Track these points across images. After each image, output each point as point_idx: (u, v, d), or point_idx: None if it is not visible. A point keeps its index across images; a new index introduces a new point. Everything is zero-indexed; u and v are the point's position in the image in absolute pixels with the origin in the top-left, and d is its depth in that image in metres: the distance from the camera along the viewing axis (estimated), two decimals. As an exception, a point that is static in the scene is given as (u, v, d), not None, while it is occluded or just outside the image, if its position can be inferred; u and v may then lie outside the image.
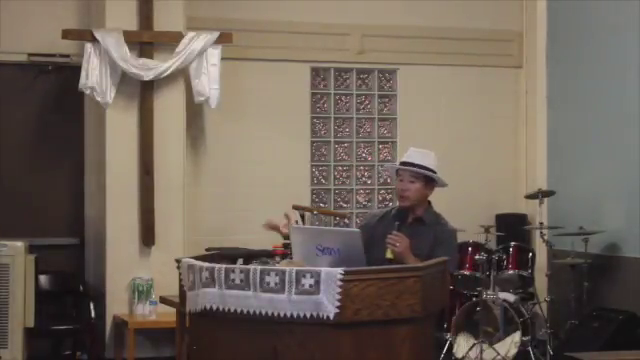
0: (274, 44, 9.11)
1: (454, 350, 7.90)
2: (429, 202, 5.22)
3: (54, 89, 8.82)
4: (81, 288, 8.64)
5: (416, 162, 5.14)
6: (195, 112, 8.76)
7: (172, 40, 8.33)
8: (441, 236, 5.09)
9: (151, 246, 8.36)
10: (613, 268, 8.40)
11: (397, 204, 5.32)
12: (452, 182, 5.38)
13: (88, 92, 8.20)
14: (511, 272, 8.39)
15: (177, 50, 8.30)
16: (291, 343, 4.16)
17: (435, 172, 5.14)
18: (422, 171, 5.11)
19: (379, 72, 9.58)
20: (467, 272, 8.25)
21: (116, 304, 8.31)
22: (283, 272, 4.15)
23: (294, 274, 4.13)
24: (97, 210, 8.67)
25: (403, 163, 5.19)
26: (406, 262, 4.84)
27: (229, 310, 4.22)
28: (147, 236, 8.33)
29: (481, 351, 7.75)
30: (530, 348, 8.09)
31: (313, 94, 9.40)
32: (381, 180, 9.58)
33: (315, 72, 9.40)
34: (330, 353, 4.15)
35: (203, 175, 8.95)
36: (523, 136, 9.74)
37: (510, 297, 8.23)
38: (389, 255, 4.93)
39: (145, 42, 8.32)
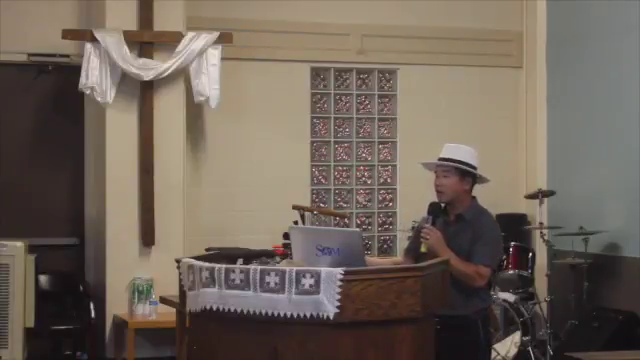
0: (274, 44, 9.11)
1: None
2: (474, 197, 5.18)
3: (54, 89, 8.83)
4: (81, 288, 8.64)
5: (449, 156, 5.10)
6: (195, 112, 8.76)
7: (172, 40, 8.33)
8: (480, 231, 5.04)
9: (151, 246, 8.36)
10: (613, 268, 8.41)
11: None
12: (452, 182, 5.37)
13: (88, 92, 8.21)
14: (511, 272, 8.40)
15: (177, 50, 8.30)
16: (291, 343, 4.16)
17: (470, 165, 5.09)
18: (451, 164, 5.07)
19: (379, 72, 9.58)
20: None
21: (116, 304, 8.31)
22: (283, 272, 4.15)
23: (294, 274, 4.13)
24: (97, 210, 8.68)
25: (439, 159, 5.15)
26: (439, 255, 4.84)
27: (229, 310, 4.22)
28: (147, 236, 8.33)
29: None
30: (530, 348, 8.10)
31: (313, 94, 9.40)
32: (381, 180, 9.59)
33: (315, 72, 9.40)
34: (330, 353, 4.15)
35: (203, 175, 8.95)
36: (523, 136, 9.74)
37: (510, 297, 8.24)
38: (423, 249, 4.94)
39: (145, 42, 8.31)
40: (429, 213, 5.08)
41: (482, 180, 5.19)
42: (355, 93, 9.53)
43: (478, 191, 5.26)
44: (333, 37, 9.32)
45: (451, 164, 5.06)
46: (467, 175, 5.09)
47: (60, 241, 8.79)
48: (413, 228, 5.51)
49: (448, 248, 4.92)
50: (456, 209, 5.11)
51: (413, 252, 5.15)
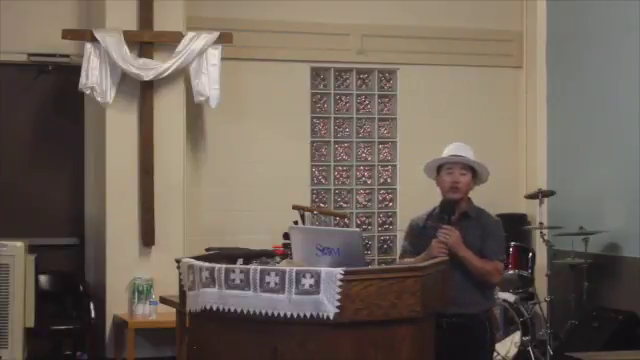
0: (274, 44, 9.11)
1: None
2: (469, 198, 5.19)
3: (54, 89, 8.82)
4: (81, 288, 8.64)
5: (465, 155, 5.12)
6: (195, 112, 8.76)
7: (172, 40, 8.33)
8: (488, 228, 5.09)
9: (151, 246, 8.36)
10: (613, 268, 8.41)
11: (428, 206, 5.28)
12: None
13: (88, 92, 8.21)
14: (511, 272, 8.39)
15: (177, 50, 8.30)
16: (291, 343, 4.16)
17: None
18: (473, 163, 5.09)
19: (379, 72, 9.58)
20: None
21: (116, 304, 8.31)
22: (283, 272, 4.15)
23: (294, 274, 4.13)
24: (97, 210, 8.68)
25: (455, 157, 5.14)
26: (459, 254, 4.86)
27: (229, 310, 4.22)
28: (147, 236, 8.33)
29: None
30: (530, 348, 8.09)
31: (313, 94, 9.40)
32: (381, 180, 9.58)
33: (315, 72, 9.40)
34: (330, 353, 4.15)
35: (203, 175, 8.95)
36: (523, 136, 9.74)
37: (510, 297, 8.24)
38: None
39: (145, 42, 8.31)
40: (443, 211, 5.07)
41: (481, 181, 5.21)
42: (355, 93, 9.52)
43: (477, 191, 5.27)
44: (333, 37, 9.31)
45: (477, 161, 5.10)
46: (475, 175, 5.11)
47: (60, 241, 8.79)
48: (412, 228, 5.44)
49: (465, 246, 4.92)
50: (460, 207, 5.12)
51: (411, 254, 5.14)
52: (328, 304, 4.09)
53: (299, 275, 4.13)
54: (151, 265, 8.32)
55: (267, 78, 9.11)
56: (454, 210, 5.07)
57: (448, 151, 5.19)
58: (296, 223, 7.06)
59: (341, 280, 4.09)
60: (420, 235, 5.12)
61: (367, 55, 9.42)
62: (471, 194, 5.22)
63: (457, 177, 5.09)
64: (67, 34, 8.26)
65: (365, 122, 9.58)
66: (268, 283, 4.15)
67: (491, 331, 5.16)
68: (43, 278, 8.50)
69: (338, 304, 4.09)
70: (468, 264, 4.92)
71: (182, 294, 4.66)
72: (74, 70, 8.33)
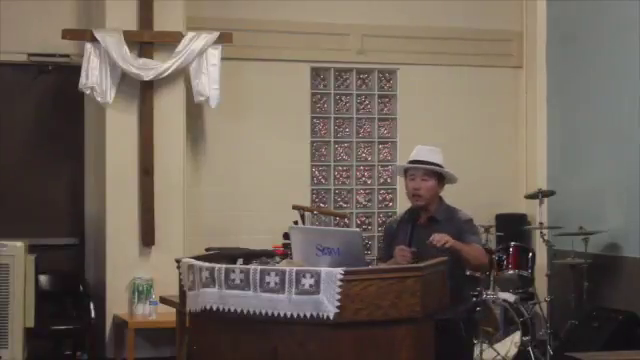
0: (274, 44, 9.12)
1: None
2: (440, 198, 5.18)
3: (54, 89, 8.83)
4: (81, 288, 8.64)
5: (427, 159, 5.09)
6: (195, 112, 8.76)
7: (172, 40, 8.33)
8: (462, 228, 5.06)
9: (151, 246, 8.36)
10: (613, 268, 8.41)
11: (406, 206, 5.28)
12: (452, 182, 5.37)
13: (88, 92, 8.21)
14: (511, 272, 8.40)
15: (177, 50, 8.30)
16: (291, 343, 4.16)
17: (443, 168, 5.12)
18: (435, 168, 5.08)
19: (379, 72, 9.58)
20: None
21: (116, 304, 8.31)
22: (283, 272, 4.15)
23: (294, 274, 4.13)
24: (97, 210, 8.68)
25: (413, 162, 5.12)
26: (456, 248, 4.85)
27: (229, 310, 4.22)
28: (147, 236, 8.33)
29: (481, 351, 7.75)
30: (530, 348, 8.09)
31: (313, 94, 9.40)
32: (381, 180, 9.59)
33: (315, 72, 9.40)
34: (330, 353, 4.15)
35: (203, 175, 8.96)
36: (523, 136, 9.74)
37: (510, 297, 8.24)
38: None
39: (145, 42, 8.32)
40: (410, 219, 5.07)
41: (452, 181, 5.19)
42: (355, 93, 9.53)
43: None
44: (333, 37, 9.32)
45: (435, 169, 5.07)
46: (442, 178, 5.11)
47: (60, 241, 8.79)
48: (386, 231, 5.43)
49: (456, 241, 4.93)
50: (428, 212, 5.11)
51: (387, 257, 5.14)
52: (328, 304, 4.09)
53: (299, 275, 4.13)
54: (151, 265, 8.32)
55: (267, 78, 9.11)
56: (419, 215, 5.07)
57: (412, 155, 5.18)
58: (296, 223, 7.07)
59: (341, 280, 4.10)
60: (393, 237, 5.14)
61: (367, 55, 9.42)
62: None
63: (418, 184, 5.08)
64: (67, 34, 8.26)
65: (365, 122, 9.58)
66: (268, 283, 4.15)
67: (467, 331, 5.13)
68: (43, 278, 8.50)
69: (338, 304, 4.09)
70: (465, 254, 4.90)
71: (182, 294, 4.67)
72: (74, 70, 8.34)
